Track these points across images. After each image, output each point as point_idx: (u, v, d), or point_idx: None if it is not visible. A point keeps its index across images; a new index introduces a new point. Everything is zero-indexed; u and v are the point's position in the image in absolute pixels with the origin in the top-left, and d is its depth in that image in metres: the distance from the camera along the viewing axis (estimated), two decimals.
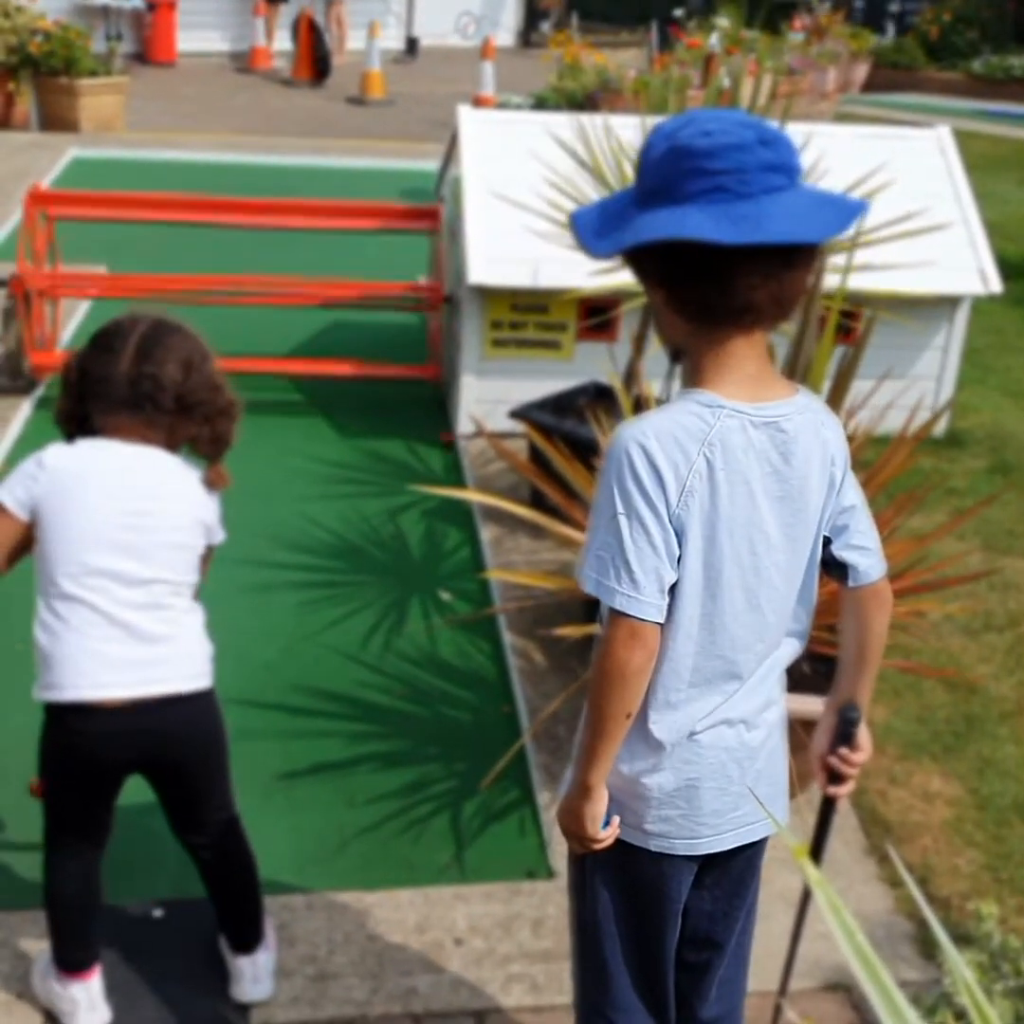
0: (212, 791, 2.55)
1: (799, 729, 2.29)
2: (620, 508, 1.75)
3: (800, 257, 1.72)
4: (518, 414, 4.75)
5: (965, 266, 5.35)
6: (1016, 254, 7.92)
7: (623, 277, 1.90)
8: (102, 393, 2.35)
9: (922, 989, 2.68)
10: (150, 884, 2.94)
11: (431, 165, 7.81)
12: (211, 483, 2.43)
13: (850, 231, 1.81)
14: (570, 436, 4.22)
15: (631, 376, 4.23)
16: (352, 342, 5.94)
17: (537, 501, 4.34)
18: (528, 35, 19.28)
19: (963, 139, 6.09)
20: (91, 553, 2.31)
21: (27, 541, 2.37)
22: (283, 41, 15.02)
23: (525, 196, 4.84)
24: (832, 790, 2.04)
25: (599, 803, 1.91)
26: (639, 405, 3.71)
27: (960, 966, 1.09)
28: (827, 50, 14.32)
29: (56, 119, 10.36)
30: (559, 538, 3.71)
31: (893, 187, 4.64)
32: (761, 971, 2.42)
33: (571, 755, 2.00)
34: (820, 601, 2.03)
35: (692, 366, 1.81)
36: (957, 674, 3.89)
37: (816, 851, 2.16)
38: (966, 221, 5.45)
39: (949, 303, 5.42)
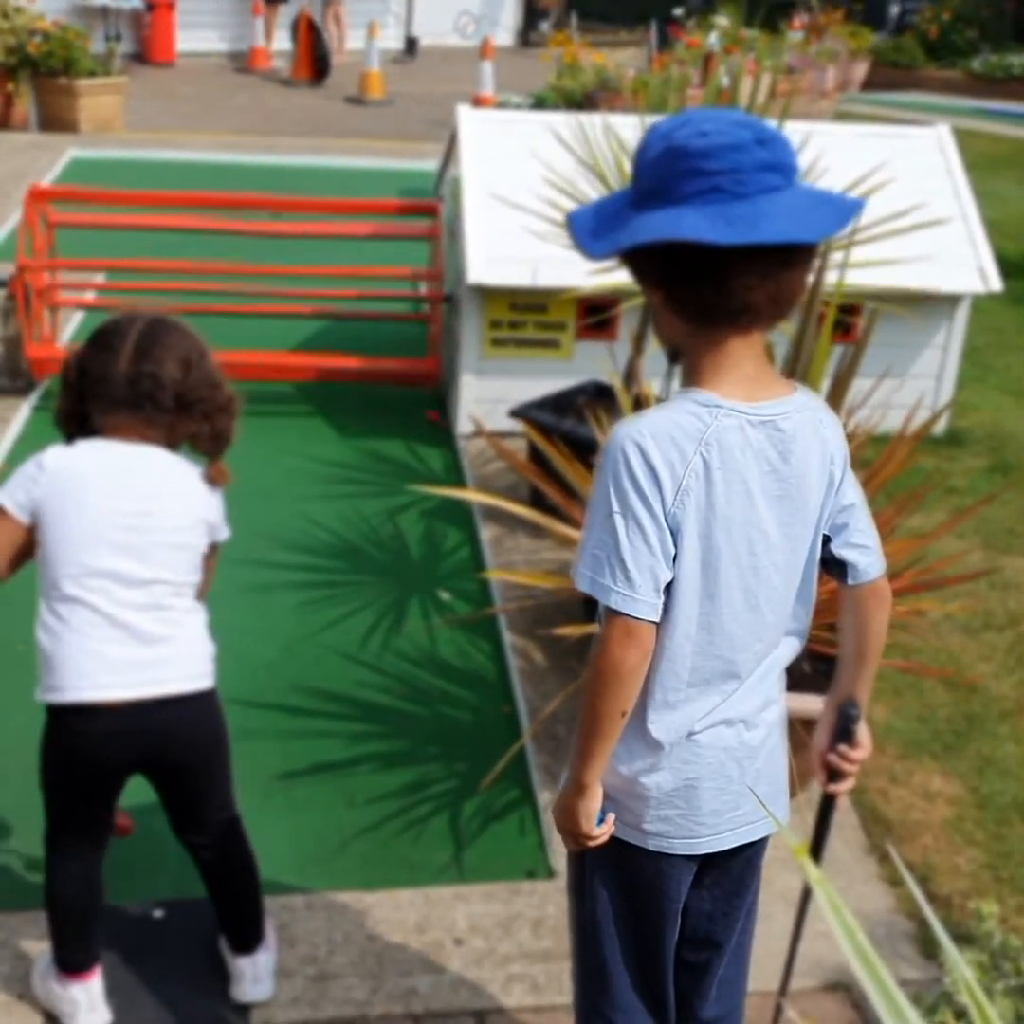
0: (213, 791, 2.55)
1: (799, 728, 2.29)
2: (616, 506, 1.75)
3: (797, 257, 1.71)
4: (518, 413, 4.75)
5: (965, 264, 5.35)
6: (1016, 252, 7.92)
7: (622, 276, 1.89)
8: (101, 392, 2.35)
9: (922, 988, 2.67)
10: (150, 884, 2.94)
11: (430, 165, 7.81)
12: (213, 480, 2.44)
13: (849, 229, 1.81)
14: (570, 435, 4.22)
15: (631, 375, 4.23)
16: (352, 341, 5.93)
17: (537, 501, 4.34)
18: (527, 35, 19.27)
19: (962, 138, 6.09)
20: (91, 554, 2.31)
21: (29, 546, 2.38)
22: (282, 41, 15.01)
23: (524, 196, 4.84)
24: (832, 787, 2.04)
25: (593, 800, 1.91)
26: (639, 404, 3.71)
27: (960, 965, 1.08)
28: (826, 49, 14.31)
29: (55, 119, 10.36)
30: (559, 538, 3.72)
31: (892, 186, 4.64)
32: (761, 971, 2.42)
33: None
34: (820, 600, 2.03)
35: (690, 366, 1.81)
36: (957, 673, 3.89)
37: (816, 850, 2.16)
38: (966, 219, 5.45)
39: (949, 302, 5.41)
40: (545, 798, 3.29)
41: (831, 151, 4.72)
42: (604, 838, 1.95)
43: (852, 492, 1.91)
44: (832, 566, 1.94)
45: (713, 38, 12.12)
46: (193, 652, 2.43)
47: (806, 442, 1.82)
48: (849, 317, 4.92)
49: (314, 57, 14.05)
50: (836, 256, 3.82)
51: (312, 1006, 2.66)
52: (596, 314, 5.15)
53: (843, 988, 2.78)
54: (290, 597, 4.16)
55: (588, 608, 3.44)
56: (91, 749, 2.37)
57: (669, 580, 1.78)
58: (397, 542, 4.53)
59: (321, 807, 3.24)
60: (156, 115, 11.49)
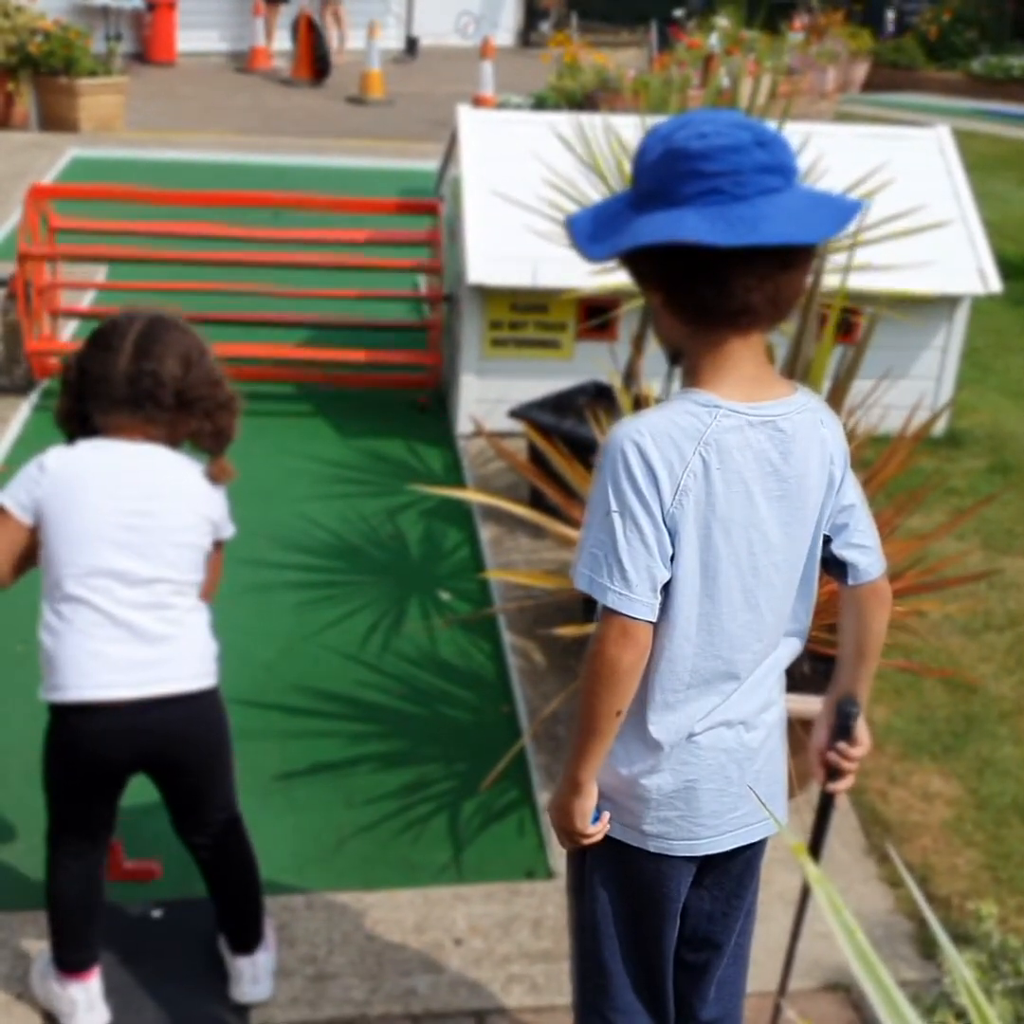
0: (214, 791, 2.55)
1: (799, 729, 2.29)
2: (614, 506, 1.75)
3: (797, 258, 1.72)
4: (518, 414, 4.75)
5: (964, 266, 5.35)
6: (1015, 254, 7.92)
7: (622, 277, 1.89)
8: (102, 392, 2.35)
9: (922, 989, 2.68)
10: (150, 884, 2.93)
11: (430, 165, 7.81)
12: (214, 477, 2.44)
13: (849, 230, 1.81)
14: (570, 436, 4.22)
15: (631, 376, 4.23)
16: (352, 340, 5.93)
17: (537, 501, 4.34)
18: (528, 35, 19.26)
19: (962, 139, 6.09)
20: (93, 553, 2.32)
21: (32, 552, 2.38)
22: (283, 41, 15.00)
23: (524, 196, 4.84)
24: (831, 786, 2.04)
25: (588, 799, 1.92)
26: (639, 404, 3.71)
27: (960, 966, 1.09)
28: (826, 50, 14.30)
29: (56, 119, 10.35)
30: (558, 538, 3.72)
31: (892, 187, 4.64)
32: (761, 971, 2.42)
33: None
34: (820, 601, 2.03)
35: (690, 367, 1.81)
36: (957, 674, 3.89)
37: (815, 849, 2.16)
38: (965, 220, 5.45)
39: (948, 303, 5.42)
40: (545, 798, 3.29)
41: (831, 152, 4.72)
42: (599, 836, 1.95)
43: (852, 492, 1.92)
44: (832, 566, 1.95)
45: (713, 39, 12.11)
46: (195, 651, 2.43)
47: (806, 442, 1.82)
48: (849, 316, 4.92)
49: (314, 57, 14.04)
50: (837, 258, 3.83)
51: (311, 1006, 2.66)
52: (597, 315, 5.15)
53: (842, 988, 2.78)
54: (290, 597, 4.16)
55: (588, 608, 3.44)
56: (93, 748, 2.37)
57: (667, 580, 1.78)
58: (397, 542, 4.53)
59: (320, 807, 3.24)
60: (157, 115, 11.49)
